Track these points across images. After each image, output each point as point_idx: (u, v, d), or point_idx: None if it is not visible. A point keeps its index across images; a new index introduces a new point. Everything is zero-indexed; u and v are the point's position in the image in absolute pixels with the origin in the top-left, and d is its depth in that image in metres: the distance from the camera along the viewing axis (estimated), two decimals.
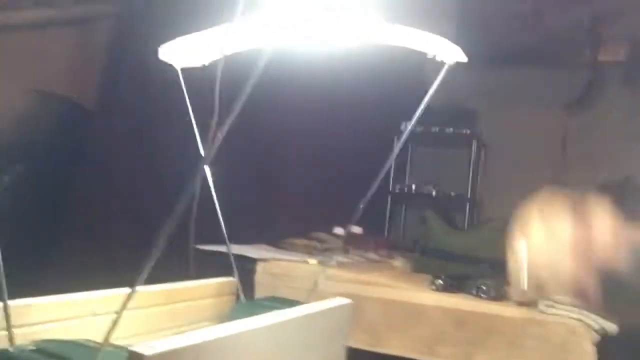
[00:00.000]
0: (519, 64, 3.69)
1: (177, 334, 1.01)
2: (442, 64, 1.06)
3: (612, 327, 1.42)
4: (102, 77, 2.41)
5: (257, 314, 0.82)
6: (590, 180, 3.40)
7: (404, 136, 1.25)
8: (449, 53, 1.00)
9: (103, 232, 2.32)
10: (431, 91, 1.09)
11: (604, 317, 1.44)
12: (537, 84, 3.68)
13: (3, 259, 0.67)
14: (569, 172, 3.66)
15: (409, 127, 1.21)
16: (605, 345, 1.42)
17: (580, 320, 1.42)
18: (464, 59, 1.05)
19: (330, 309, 0.96)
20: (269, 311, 1.03)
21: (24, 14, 3.00)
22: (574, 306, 1.44)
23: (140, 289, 0.96)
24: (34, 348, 0.63)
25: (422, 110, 1.21)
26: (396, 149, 1.30)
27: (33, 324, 0.69)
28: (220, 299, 1.13)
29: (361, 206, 1.16)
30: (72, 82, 2.90)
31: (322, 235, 2.47)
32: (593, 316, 1.43)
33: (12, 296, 0.70)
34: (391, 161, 1.33)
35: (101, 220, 2.34)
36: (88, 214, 2.36)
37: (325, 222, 2.56)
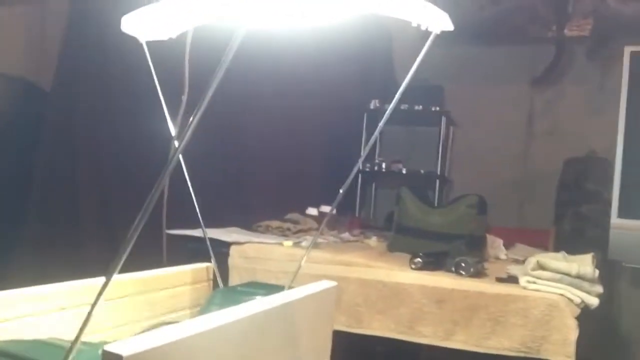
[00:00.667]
0: (486, 40, 3.69)
1: (156, 324, 0.95)
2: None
3: (593, 300, 1.42)
4: (59, 54, 2.27)
5: (237, 301, 0.77)
6: (556, 155, 3.45)
7: (385, 116, 1.19)
8: (436, 21, 0.94)
9: (67, 218, 2.21)
10: (417, 62, 1.03)
11: (585, 291, 1.44)
12: (504, 59, 3.68)
13: None
14: (535, 147, 3.70)
15: (391, 105, 1.16)
16: (586, 318, 1.42)
17: (561, 294, 1.42)
18: (450, 27, 1.00)
19: (316, 294, 0.91)
20: (249, 298, 0.97)
21: None
22: (555, 280, 1.44)
23: (114, 278, 0.90)
24: None
25: (404, 87, 1.15)
26: (377, 130, 1.25)
27: None
28: (197, 285, 1.07)
29: (341, 191, 1.10)
30: (26, 61, 2.74)
31: (296, 216, 2.42)
32: (574, 290, 1.43)
33: None
34: (372, 141, 1.28)
35: (65, 206, 2.23)
36: (50, 200, 2.24)
37: (299, 203, 2.51)
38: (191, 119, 0.73)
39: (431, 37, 0.96)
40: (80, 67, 2.15)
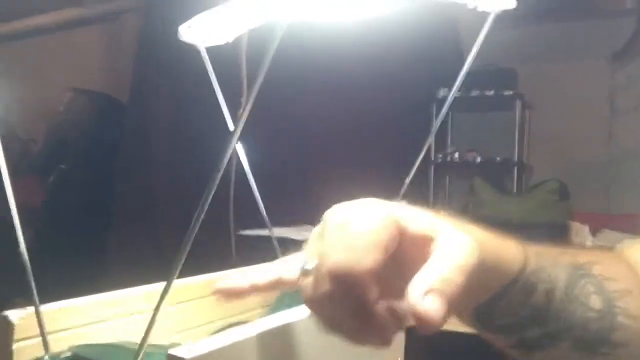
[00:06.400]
0: (558, 18, 3.50)
1: (228, 326, 0.97)
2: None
3: None
4: (134, 69, 2.39)
5: (302, 303, 0.76)
6: None
7: (447, 104, 1.14)
8: (494, 0, 0.89)
9: (148, 225, 2.32)
10: (476, 48, 0.97)
11: None
12: (579, 37, 3.48)
13: (39, 260, 0.63)
14: (620, 125, 3.47)
15: (452, 93, 1.10)
16: None
17: None
18: (512, 4, 0.94)
19: None
20: None
21: (55, 16, 3.01)
22: None
23: (183, 281, 0.92)
24: (71, 355, 0.59)
25: (465, 72, 1.09)
26: (439, 119, 1.20)
27: (68, 329, 0.64)
28: None
29: (407, 180, 1.06)
30: (106, 78, 2.90)
31: None
32: None
33: (53, 297, 0.66)
34: (434, 131, 1.23)
35: (145, 213, 2.34)
36: (132, 207, 2.36)
37: (368, 196, 2.48)
38: (241, 110, 0.72)
39: (490, 18, 0.90)
40: (151, 79, 2.25)
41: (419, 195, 4.04)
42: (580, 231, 2.10)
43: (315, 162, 2.48)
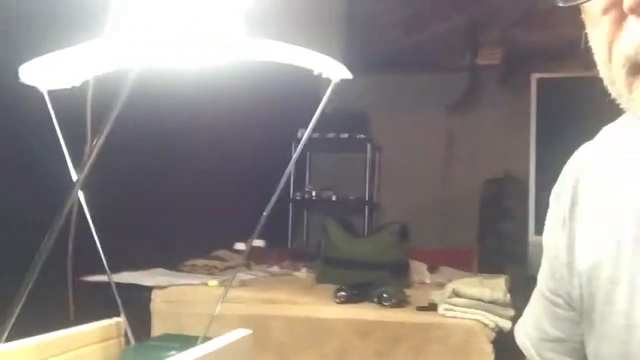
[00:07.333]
0: (405, 69, 3.83)
1: None
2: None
3: (505, 324, 1.49)
4: None
5: (150, 359, 0.74)
6: (476, 176, 3.61)
7: (301, 144, 1.20)
8: (334, 71, 0.97)
9: None
10: (321, 106, 1.05)
11: (498, 315, 1.50)
12: (422, 87, 3.83)
13: None
14: (456, 169, 3.85)
15: (305, 135, 1.17)
16: (501, 341, 1.48)
17: (477, 320, 1.47)
18: (348, 76, 1.04)
19: (229, 345, 0.90)
20: (164, 354, 0.95)
21: None
22: (471, 307, 1.49)
23: (3, 347, 0.84)
24: None
25: (315, 120, 1.17)
26: (294, 156, 1.25)
27: None
28: (106, 343, 1.02)
29: (265, 214, 1.09)
30: None
31: (223, 253, 2.39)
32: (488, 315, 1.48)
33: None
34: (291, 167, 1.28)
35: None
36: None
37: (228, 238, 2.48)
38: (87, 150, 0.70)
39: (331, 86, 0.98)
40: None
41: (278, 230, 4.08)
42: (419, 268, 2.29)
43: (172, 205, 2.43)
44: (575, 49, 0.49)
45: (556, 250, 0.59)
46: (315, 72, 1.04)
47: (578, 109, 2.73)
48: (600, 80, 0.45)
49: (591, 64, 0.46)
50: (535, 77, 3.03)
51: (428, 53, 3.81)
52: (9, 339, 0.88)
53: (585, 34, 0.50)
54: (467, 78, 3.78)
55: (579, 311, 0.57)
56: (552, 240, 0.60)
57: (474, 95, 3.81)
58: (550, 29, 3.31)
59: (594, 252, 0.54)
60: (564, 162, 0.63)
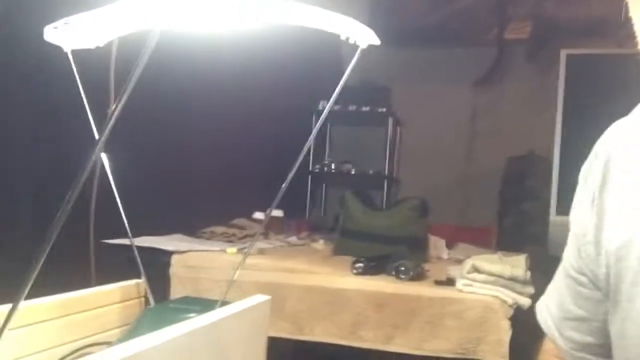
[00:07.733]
0: (430, 43, 3.76)
1: (81, 347, 0.92)
2: (356, 45, 1.01)
3: (525, 301, 1.47)
4: None
5: (168, 320, 0.75)
6: (499, 153, 3.56)
7: (322, 116, 1.19)
8: (362, 36, 0.95)
9: (4, 236, 2.12)
10: (346, 74, 1.04)
11: (517, 292, 1.49)
12: (447, 61, 3.77)
13: None
14: (479, 146, 3.80)
15: (327, 107, 1.16)
16: (519, 319, 1.47)
17: (495, 296, 1.46)
18: (376, 41, 1.01)
19: (248, 309, 0.91)
20: (182, 316, 0.96)
21: None
22: (490, 283, 1.48)
23: (29, 303, 0.86)
24: None
25: (339, 90, 1.15)
26: (315, 128, 1.24)
27: None
28: (127, 303, 1.04)
29: (283, 186, 1.09)
30: None
31: (242, 221, 2.40)
32: (507, 291, 1.47)
33: None
34: (311, 140, 1.27)
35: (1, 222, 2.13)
36: None
37: (247, 207, 2.49)
38: (110, 112, 0.70)
39: (358, 52, 0.97)
40: (10, 81, 2.06)
41: (297, 201, 4.09)
42: (437, 244, 2.27)
43: (194, 172, 2.43)
44: (608, 26, 0.46)
45: (584, 229, 0.57)
46: (342, 37, 1.02)
47: (608, 87, 2.66)
48: (634, 57, 0.42)
49: (625, 42, 0.44)
50: (565, 52, 2.95)
51: (454, 26, 3.72)
52: (34, 296, 0.90)
53: (626, 4, 0.47)
54: (493, 52, 3.69)
55: (604, 291, 0.56)
56: (580, 218, 0.59)
57: (500, 70, 3.73)
58: (583, 3, 3.20)
59: (623, 232, 0.52)
60: (590, 142, 0.61)
